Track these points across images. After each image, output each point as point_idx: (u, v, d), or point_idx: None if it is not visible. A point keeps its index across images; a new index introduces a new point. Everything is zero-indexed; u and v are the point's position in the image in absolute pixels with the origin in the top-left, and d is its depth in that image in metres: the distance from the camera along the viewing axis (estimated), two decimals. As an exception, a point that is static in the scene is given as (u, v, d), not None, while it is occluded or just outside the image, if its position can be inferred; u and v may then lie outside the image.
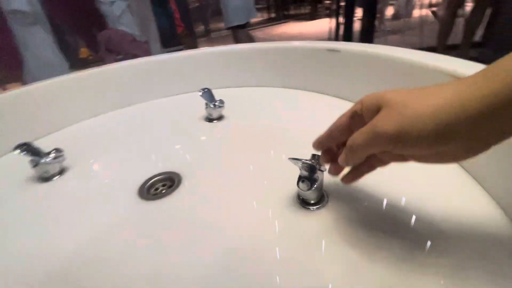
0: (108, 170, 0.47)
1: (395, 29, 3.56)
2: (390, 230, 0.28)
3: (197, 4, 5.37)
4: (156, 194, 0.40)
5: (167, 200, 0.37)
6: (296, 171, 0.31)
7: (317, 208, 0.32)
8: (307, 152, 0.31)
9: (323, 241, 0.28)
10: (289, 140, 0.47)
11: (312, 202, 0.33)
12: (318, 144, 0.30)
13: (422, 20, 3.12)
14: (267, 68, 0.70)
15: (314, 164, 0.30)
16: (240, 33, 2.13)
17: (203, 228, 0.32)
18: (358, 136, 0.23)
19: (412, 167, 0.25)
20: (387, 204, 0.32)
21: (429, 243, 0.26)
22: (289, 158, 0.31)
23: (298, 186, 0.31)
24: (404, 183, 0.34)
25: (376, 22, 2.77)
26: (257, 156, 0.44)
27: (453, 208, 0.30)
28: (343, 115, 0.26)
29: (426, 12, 3.33)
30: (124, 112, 0.70)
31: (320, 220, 0.31)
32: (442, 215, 0.29)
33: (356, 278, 0.25)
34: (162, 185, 0.42)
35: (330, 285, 0.24)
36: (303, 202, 0.33)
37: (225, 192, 0.38)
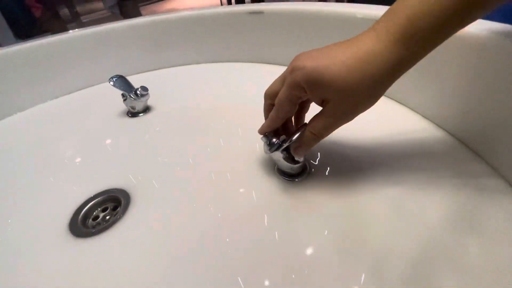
0: (11, 208, 0.32)
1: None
2: (371, 170, 0.29)
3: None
4: (98, 224, 0.30)
5: (116, 229, 0.28)
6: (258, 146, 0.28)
7: (304, 179, 0.30)
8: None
9: (322, 205, 0.27)
10: (239, 117, 0.42)
11: (296, 173, 0.30)
12: (268, 131, 0.29)
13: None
14: (185, 43, 0.61)
15: (284, 141, 0.27)
16: (130, 7, 1.81)
17: (183, 250, 0.25)
18: (321, 130, 0.24)
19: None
20: (357, 152, 0.32)
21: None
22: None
23: (291, 163, 0.28)
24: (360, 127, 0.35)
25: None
26: (210, 142, 0.38)
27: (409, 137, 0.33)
28: (288, 104, 0.25)
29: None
30: (8, 123, 0.50)
31: (310, 189, 0.29)
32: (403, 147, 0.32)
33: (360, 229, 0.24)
34: (102, 210, 0.31)
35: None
36: (286, 175, 0.30)
37: (194, 193, 0.31)
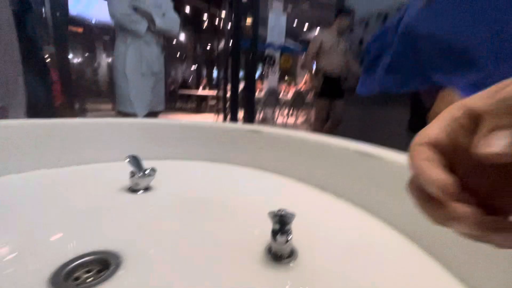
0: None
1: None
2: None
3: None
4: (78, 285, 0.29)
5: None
6: (252, 234, 0.32)
7: (292, 261, 0.33)
8: (257, 221, 0.33)
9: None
10: (228, 210, 0.48)
11: (285, 256, 0.33)
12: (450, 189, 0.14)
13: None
14: (191, 143, 0.72)
15: (287, 215, 0.32)
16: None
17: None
18: None
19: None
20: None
21: None
22: (268, 213, 0.32)
23: (275, 240, 0.32)
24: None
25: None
26: (206, 226, 0.42)
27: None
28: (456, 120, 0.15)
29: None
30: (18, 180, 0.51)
31: (298, 272, 0.31)
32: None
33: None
34: (86, 272, 0.31)
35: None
36: (277, 257, 0.33)
37: (180, 269, 0.32)
